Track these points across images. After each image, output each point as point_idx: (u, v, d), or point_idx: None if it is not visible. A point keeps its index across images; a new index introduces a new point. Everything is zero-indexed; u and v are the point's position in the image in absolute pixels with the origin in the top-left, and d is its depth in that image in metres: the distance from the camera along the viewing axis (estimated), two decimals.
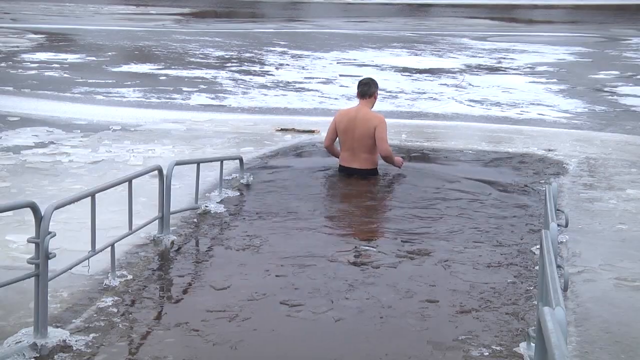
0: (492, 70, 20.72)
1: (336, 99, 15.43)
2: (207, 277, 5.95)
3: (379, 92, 9.40)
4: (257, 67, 20.22)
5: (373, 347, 4.80)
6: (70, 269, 5.33)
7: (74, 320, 5.02)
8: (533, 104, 15.28)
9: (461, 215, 7.69)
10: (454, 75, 19.50)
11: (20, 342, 4.61)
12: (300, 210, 7.77)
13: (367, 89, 9.26)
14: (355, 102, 9.46)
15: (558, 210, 6.18)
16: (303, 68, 20.33)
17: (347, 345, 4.83)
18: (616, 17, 45.57)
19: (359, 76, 18.66)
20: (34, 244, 4.67)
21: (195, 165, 7.67)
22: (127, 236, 6.09)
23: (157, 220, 6.64)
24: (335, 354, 4.71)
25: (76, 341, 4.70)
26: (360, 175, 9.05)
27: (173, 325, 5.07)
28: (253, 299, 5.45)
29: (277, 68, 20.21)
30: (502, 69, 21.02)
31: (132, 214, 6.10)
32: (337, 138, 9.32)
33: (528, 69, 20.92)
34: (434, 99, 15.70)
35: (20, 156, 9.49)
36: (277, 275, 5.93)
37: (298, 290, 5.64)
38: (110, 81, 17.03)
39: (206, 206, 7.63)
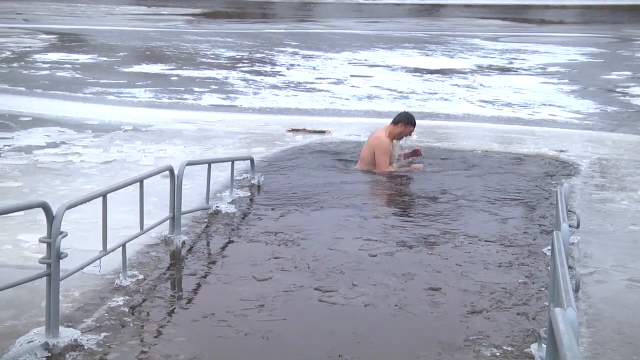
0: (504, 70, 20.68)
1: (347, 99, 15.43)
2: (218, 276, 5.96)
3: (402, 125, 9.61)
4: (268, 68, 20.24)
5: (381, 348, 4.80)
6: (82, 268, 5.34)
7: (85, 320, 5.03)
8: (544, 104, 15.23)
9: (472, 215, 7.68)
10: (465, 75, 19.46)
11: (32, 341, 4.63)
12: (311, 208, 7.78)
13: (395, 116, 9.78)
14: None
15: (569, 211, 6.16)
16: (314, 68, 20.33)
17: (355, 345, 4.83)
18: (628, 18, 45.40)
19: (370, 77, 18.78)
20: (45, 244, 4.69)
21: (207, 165, 7.69)
22: (138, 236, 6.11)
23: (168, 220, 6.65)
24: (342, 354, 4.72)
25: (87, 340, 4.71)
26: None
27: (184, 324, 5.09)
28: (263, 296, 5.46)
29: (288, 68, 20.22)
30: (514, 69, 20.97)
31: (143, 214, 6.11)
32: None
33: (540, 70, 20.87)
34: (445, 99, 15.68)
35: (32, 156, 9.53)
36: (286, 270, 5.95)
37: (318, 283, 5.65)
38: (122, 81, 17.08)
39: (217, 206, 7.64)
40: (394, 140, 9.63)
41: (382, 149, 9.48)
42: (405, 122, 9.57)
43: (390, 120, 9.72)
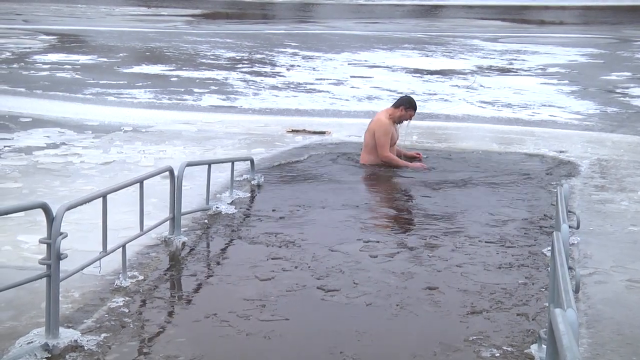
0: (504, 71, 20.68)
1: (347, 100, 15.43)
2: (219, 277, 5.96)
3: (403, 108, 9.73)
4: (268, 68, 20.24)
5: (382, 348, 4.80)
6: (82, 269, 5.34)
7: (85, 321, 5.03)
8: (544, 105, 15.24)
9: (472, 216, 7.68)
10: (465, 76, 19.46)
11: (32, 342, 4.63)
12: (312, 209, 7.78)
13: (397, 99, 9.99)
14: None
15: (569, 211, 6.16)
16: (314, 69, 20.33)
17: (357, 345, 4.83)
18: (628, 18, 45.41)
19: (370, 77, 18.77)
20: (45, 245, 4.69)
21: (206, 166, 7.69)
22: (138, 237, 6.11)
23: (168, 221, 6.65)
24: (346, 353, 4.71)
25: (87, 341, 4.71)
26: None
27: (184, 324, 5.09)
28: (266, 296, 5.46)
29: (288, 69, 20.22)
30: (514, 70, 20.97)
31: (143, 214, 6.12)
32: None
33: (539, 70, 20.87)
34: (445, 100, 15.68)
35: (32, 157, 9.53)
36: (287, 270, 5.94)
37: (319, 283, 5.65)
38: (122, 82, 17.08)
39: (217, 207, 7.64)
40: (395, 124, 9.72)
41: (382, 130, 9.55)
42: (406, 105, 9.66)
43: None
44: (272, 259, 6.32)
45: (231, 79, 18.19)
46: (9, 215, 5.61)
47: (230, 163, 8.33)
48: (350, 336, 4.95)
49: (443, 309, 5.40)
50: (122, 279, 5.66)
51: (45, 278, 4.70)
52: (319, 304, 5.45)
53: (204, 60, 21.64)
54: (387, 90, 16.75)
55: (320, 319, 5.29)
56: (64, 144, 10.40)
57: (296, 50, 24.78)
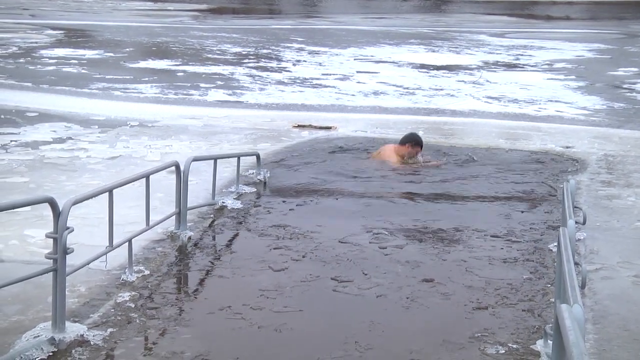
0: (510, 66, 20.63)
1: (353, 95, 15.41)
2: (225, 271, 5.97)
3: (410, 145, 9.76)
4: (274, 64, 20.23)
5: (393, 340, 4.80)
6: (88, 264, 5.36)
7: (91, 315, 5.05)
8: (551, 100, 15.20)
9: (478, 211, 7.67)
10: (471, 71, 19.42)
11: (38, 336, 4.64)
12: (318, 202, 7.78)
13: (402, 137, 9.94)
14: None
15: (576, 207, 6.15)
16: (320, 64, 20.31)
17: (365, 340, 4.83)
18: (635, 14, 45.26)
19: (377, 73, 18.75)
20: (52, 239, 4.70)
21: (212, 161, 7.69)
22: (144, 232, 6.12)
23: (174, 216, 6.66)
24: (355, 348, 4.72)
25: (94, 336, 4.73)
26: None
27: (190, 320, 5.09)
28: (272, 289, 5.47)
29: (294, 64, 20.20)
30: (520, 65, 20.92)
31: (150, 209, 6.12)
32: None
33: (546, 66, 20.81)
34: (451, 95, 15.64)
35: (39, 151, 9.55)
36: (293, 265, 5.95)
37: (330, 274, 5.66)
38: (128, 77, 17.08)
39: (223, 202, 7.65)
40: (405, 158, 9.72)
41: (390, 158, 9.66)
42: (412, 143, 9.66)
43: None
44: (276, 248, 6.35)
45: (237, 74, 18.18)
46: (15, 210, 5.62)
47: (236, 158, 8.33)
48: (363, 327, 4.97)
49: (451, 302, 5.41)
50: (128, 273, 5.68)
51: (51, 272, 4.71)
52: (332, 295, 5.47)
53: (210, 55, 21.63)
54: (393, 85, 16.73)
55: (333, 310, 5.29)
56: (70, 138, 10.42)
57: (302, 46, 24.76)
